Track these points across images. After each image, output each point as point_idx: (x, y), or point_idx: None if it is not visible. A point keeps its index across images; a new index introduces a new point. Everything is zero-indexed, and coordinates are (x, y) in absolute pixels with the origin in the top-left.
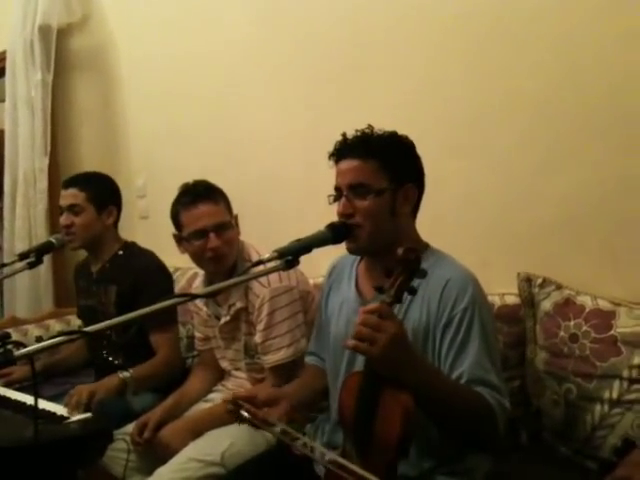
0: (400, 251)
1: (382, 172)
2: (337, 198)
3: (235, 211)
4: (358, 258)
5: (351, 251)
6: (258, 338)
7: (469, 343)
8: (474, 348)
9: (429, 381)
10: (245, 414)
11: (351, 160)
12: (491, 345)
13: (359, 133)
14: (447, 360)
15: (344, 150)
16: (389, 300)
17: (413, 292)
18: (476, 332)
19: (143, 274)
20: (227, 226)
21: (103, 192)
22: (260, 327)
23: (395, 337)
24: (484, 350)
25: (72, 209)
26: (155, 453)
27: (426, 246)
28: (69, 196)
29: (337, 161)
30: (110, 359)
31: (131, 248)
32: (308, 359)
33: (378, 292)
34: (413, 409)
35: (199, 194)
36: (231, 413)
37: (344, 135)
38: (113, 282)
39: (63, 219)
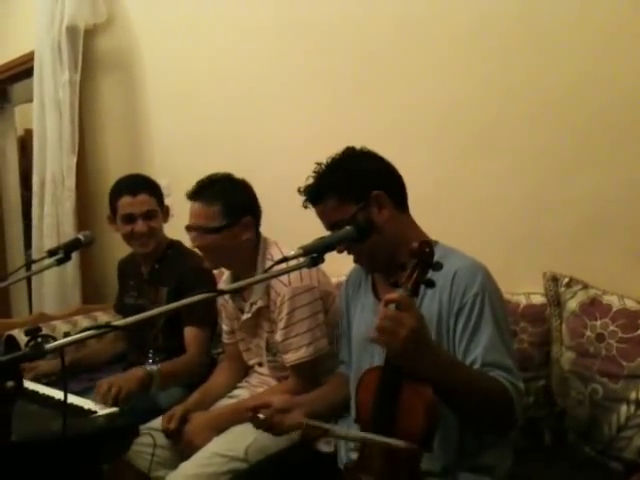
0: (415, 245)
1: (343, 202)
2: None
3: (256, 214)
4: None
5: (364, 269)
6: (278, 337)
7: (481, 328)
8: (487, 332)
9: (447, 371)
10: (261, 416)
11: (317, 207)
12: (503, 329)
13: (311, 177)
14: (461, 346)
15: (307, 201)
16: (406, 294)
17: (430, 285)
18: (488, 316)
19: (188, 276)
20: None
21: (161, 193)
22: (280, 325)
23: (414, 330)
24: (497, 334)
25: (148, 215)
26: (180, 447)
27: (435, 243)
28: (144, 202)
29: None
30: (157, 359)
31: (177, 248)
32: (341, 367)
33: (395, 287)
34: (434, 402)
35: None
36: (251, 419)
37: (299, 189)
38: (164, 283)
39: (140, 227)
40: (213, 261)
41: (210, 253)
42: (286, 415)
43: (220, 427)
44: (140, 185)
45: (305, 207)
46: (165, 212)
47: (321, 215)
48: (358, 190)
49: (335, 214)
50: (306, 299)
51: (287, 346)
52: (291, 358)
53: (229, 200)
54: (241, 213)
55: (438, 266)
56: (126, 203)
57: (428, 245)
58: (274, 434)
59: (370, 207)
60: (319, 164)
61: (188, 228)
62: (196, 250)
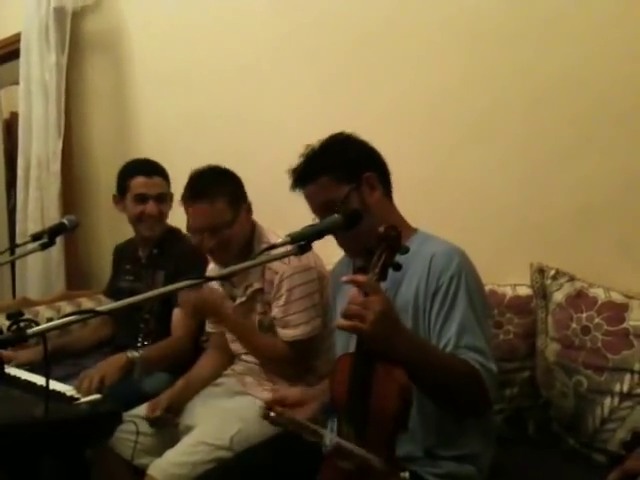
0: (382, 229)
1: (337, 181)
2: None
3: (248, 198)
4: None
5: (350, 257)
6: (277, 313)
7: (455, 309)
8: (460, 314)
9: (418, 353)
10: (272, 414)
11: (307, 187)
12: (478, 311)
13: (301, 158)
14: (435, 327)
15: (297, 183)
16: (374, 278)
17: (398, 268)
18: (462, 299)
19: (184, 259)
20: None
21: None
22: (279, 302)
23: (382, 313)
24: (471, 315)
25: (160, 198)
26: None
27: (414, 230)
28: (158, 185)
29: (300, 191)
30: (145, 343)
31: (175, 233)
32: None
33: (362, 272)
34: (408, 382)
35: None
36: (265, 417)
37: (290, 169)
38: (161, 267)
39: (151, 208)
40: (225, 257)
41: (224, 249)
42: (299, 409)
43: None
44: (155, 167)
45: (293, 189)
46: (170, 199)
47: (311, 196)
48: (352, 170)
49: (327, 193)
50: (304, 278)
51: (286, 323)
52: (289, 334)
53: (229, 191)
54: (241, 200)
55: (405, 249)
56: (141, 183)
57: (394, 229)
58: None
59: (362, 188)
60: (309, 146)
61: (196, 231)
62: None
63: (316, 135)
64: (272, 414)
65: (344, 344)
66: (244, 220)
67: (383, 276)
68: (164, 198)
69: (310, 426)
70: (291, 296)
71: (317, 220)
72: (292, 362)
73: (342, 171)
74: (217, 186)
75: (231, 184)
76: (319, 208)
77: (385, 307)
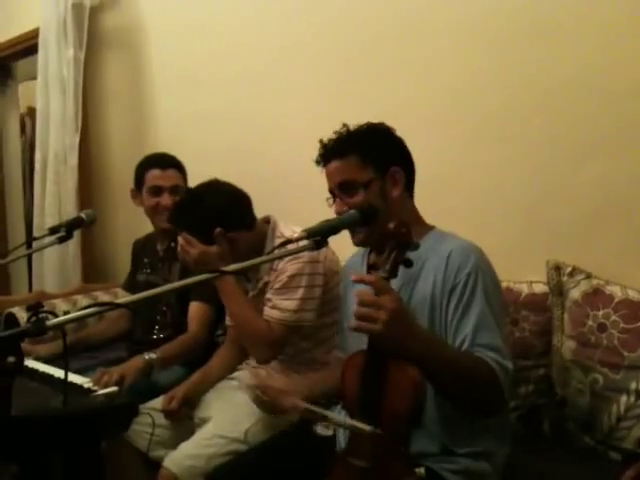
0: (391, 225)
1: (364, 164)
2: (334, 200)
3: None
4: (367, 252)
5: (356, 244)
6: (270, 294)
7: (472, 307)
8: (477, 311)
9: (431, 351)
10: (260, 394)
11: (333, 162)
12: (495, 309)
13: (335, 135)
14: (452, 324)
15: (325, 154)
16: (385, 275)
17: (409, 264)
18: (479, 296)
19: None
20: None
21: (186, 173)
22: (276, 286)
23: (394, 311)
24: (488, 313)
25: (175, 190)
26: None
27: (431, 227)
28: (173, 177)
29: (324, 166)
30: (161, 336)
31: None
32: (340, 352)
33: (373, 270)
34: (421, 380)
35: None
36: (254, 400)
37: (321, 141)
38: (178, 260)
39: (166, 200)
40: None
41: (239, 255)
42: (285, 397)
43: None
44: (169, 160)
45: (318, 163)
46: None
47: (334, 172)
48: (383, 158)
49: (351, 172)
50: (309, 269)
51: (275, 305)
52: (274, 315)
53: (222, 218)
54: (236, 224)
55: (415, 246)
56: (155, 175)
57: (405, 225)
58: (274, 415)
59: (385, 180)
60: (345, 125)
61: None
62: None
63: (326, 134)
64: (260, 395)
65: (356, 341)
66: (243, 236)
67: (394, 273)
68: (179, 190)
69: (315, 410)
70: (290, 282)
71: (330, 200)
72: (268, 342)
73: (372, 156)
74: (205, 211)
75: (224, 205)
76: (338, 186)
77: (397, 305)
